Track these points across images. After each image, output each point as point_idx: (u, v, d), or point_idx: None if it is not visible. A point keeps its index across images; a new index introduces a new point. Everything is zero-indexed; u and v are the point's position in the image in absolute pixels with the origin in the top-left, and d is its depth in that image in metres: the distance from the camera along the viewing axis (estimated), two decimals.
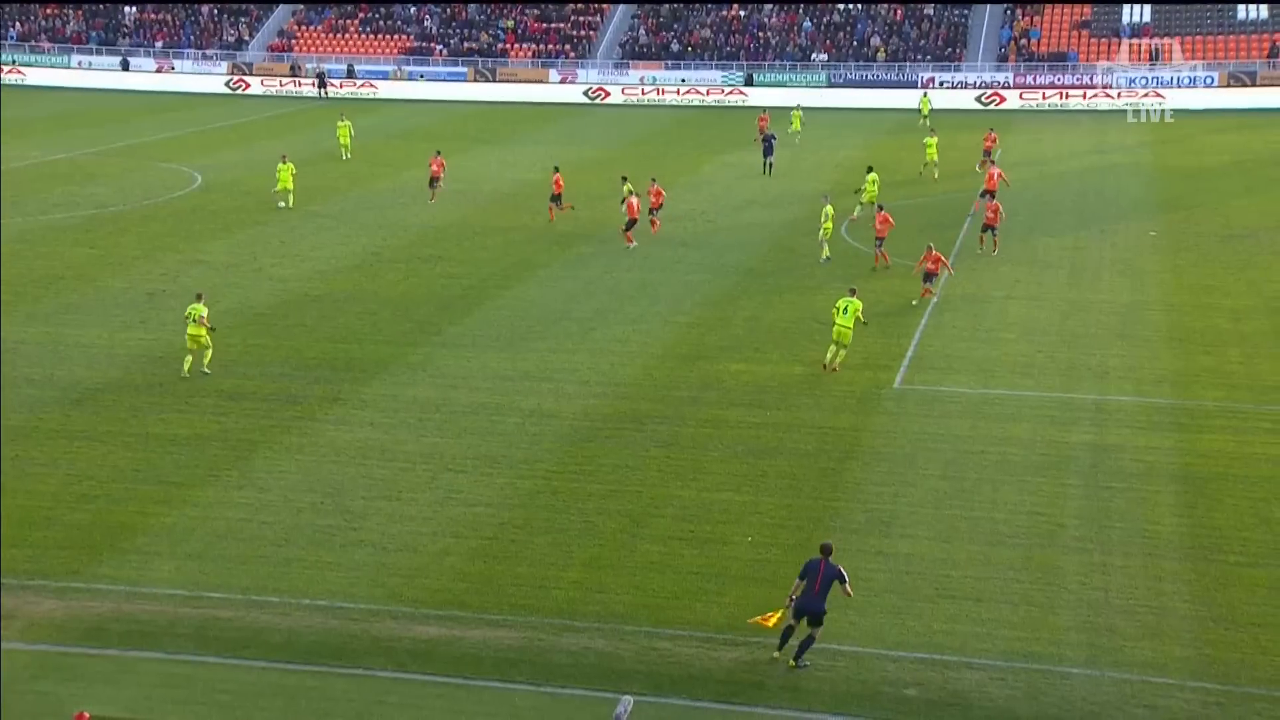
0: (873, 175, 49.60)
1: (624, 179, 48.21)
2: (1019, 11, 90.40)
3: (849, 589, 19.69)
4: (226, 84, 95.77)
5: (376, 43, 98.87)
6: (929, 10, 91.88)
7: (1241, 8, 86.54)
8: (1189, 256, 43.37)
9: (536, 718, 18.35)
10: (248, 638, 20.39)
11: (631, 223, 45.36)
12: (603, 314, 37.75)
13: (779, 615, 19.64)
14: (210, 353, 32.06)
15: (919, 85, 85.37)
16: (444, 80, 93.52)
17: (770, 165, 59.48)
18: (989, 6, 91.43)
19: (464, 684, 19.18)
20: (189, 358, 31.94)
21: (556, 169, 50.53)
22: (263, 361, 33.53)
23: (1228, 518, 24.12)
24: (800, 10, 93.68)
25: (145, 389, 31.42)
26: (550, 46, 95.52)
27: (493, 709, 18.58)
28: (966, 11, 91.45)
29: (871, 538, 23.50)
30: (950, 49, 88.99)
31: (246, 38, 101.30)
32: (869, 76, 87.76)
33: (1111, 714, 18.25)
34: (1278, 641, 19.92)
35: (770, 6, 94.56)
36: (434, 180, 53.34)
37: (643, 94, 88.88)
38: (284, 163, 52.57)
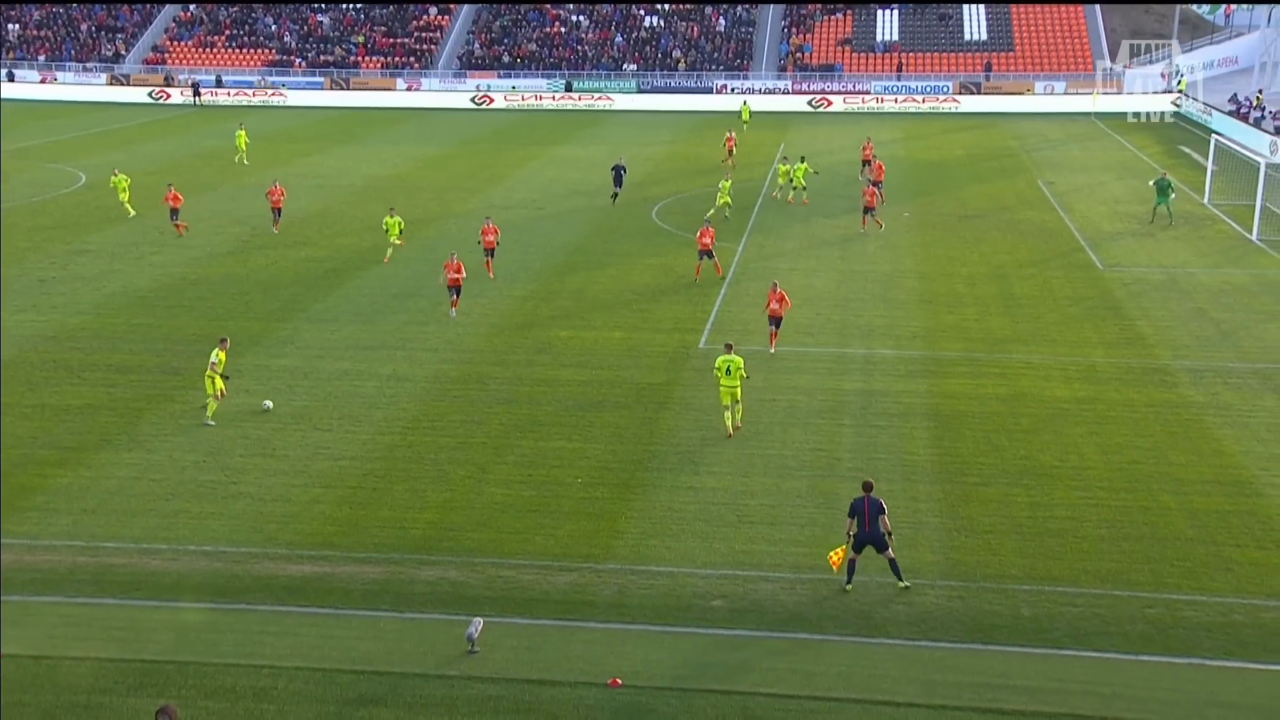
0: (804, 165, 49.42)
1: (391, 210, 41.63)
2: (794, 29, 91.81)
3: (887, 520, 19.34)
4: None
5: (242, 56, 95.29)
6: (720, 27, 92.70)
7: (967, 28, 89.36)
8: (934, 234, 44.71)
9: (399, 640, 18.10)
10: (140, 580, 19.65)
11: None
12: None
13: (842, 552, 19.30)
14: (214, 405, 26.19)
15: (714, 90, 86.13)
16: (304, 89, 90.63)
17: (614, 195, 50.03)
18: (769, 24, 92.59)
19: (335, 614, 18.80)
20: (211, 403, 26.32)
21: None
22: (147, 338, 32.16)
23: (967, 447, 25.02)
24: (612, 27, 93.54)
25: (39, 365, 29.87)
26: (397, 59, 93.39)
27: (360, 634, 18.26)
28: (751, 29, 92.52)
29: (683, 475, 23.73)
30: (739, 60, 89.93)
31: (123, 51, 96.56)
32: (672, 83, 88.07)
33: (879, 612, 18.80)
34: (1004, 544, 20.78)
35: (587, 23, 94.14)
36: (276, 210, 44.80)
37: (479, 99, 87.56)
38: (115, 175, 48.12)
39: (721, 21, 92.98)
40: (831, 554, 19.49)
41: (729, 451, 24.75)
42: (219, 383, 26.20)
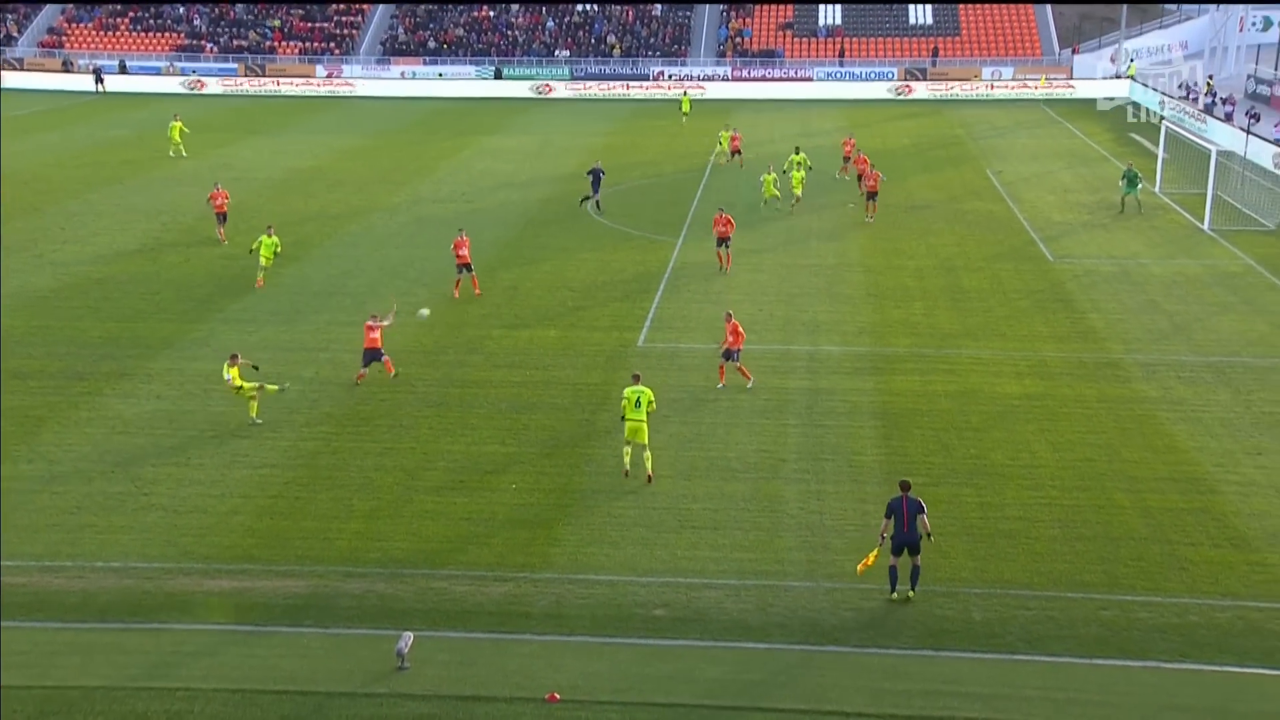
0: (801, 155, 48.93)
1: (269, 228, 38.04)
2: (733, 13, 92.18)
3: (927, 521, 19.28)
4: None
5: (148, 40, 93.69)
6: (656, 11, 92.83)
7: (912, 12, 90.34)
8: (881, 225, 45.12)
9: (324, 657, 17.92)
10: (42, 601, 19.26)
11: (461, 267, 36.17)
12: (374, 288, 36.89)
13: (874, 555, 19.28)
14: (255, 404, 26.27)
15: (651, 78, 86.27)
16: (216, 75, 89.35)
17: (595, 202, 46.97)
18: (708, 8, 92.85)
19: (255, 631, 18.57)
20: (253, 404, 26.31)
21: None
22: (47, 341, 31.54)
23: (916, 446, 25.29)
24: (543, 11, 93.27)
25: None
26: (316, 44, 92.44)
27: (283, 651, 18.05)
28: (689, 13, 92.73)
29: (621, 479, 23.71)
30: (676, 45, 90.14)
31: (15, 34, 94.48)
32: (606, 70, 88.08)
33: (826, 618, 18.95)
34: (955, 546, 21.03)
35: (516, 7, 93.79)
36: (220, 215, 42.20)
37: (404, 87, 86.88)
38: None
39: (658, 6, 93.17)
40: (865, 560, 19.41)
41: (670, 454, 24.80)
42: (245, 386, 26.06)
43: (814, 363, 30.35)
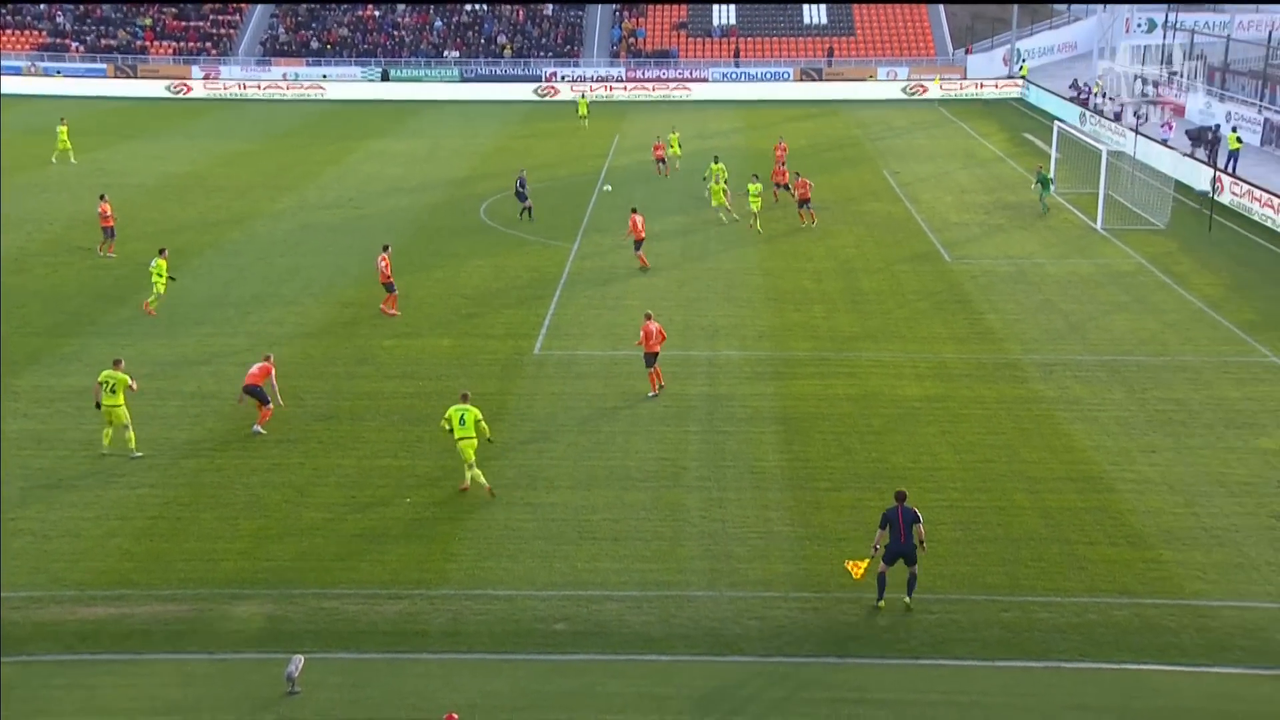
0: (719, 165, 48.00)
1: (162, 250, 35.93)
2: (626, 13, 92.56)
3: (923, 530, 19.37)
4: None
5: (6, 39, 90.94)
6: (548, 10, 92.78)
7: (806, 12, 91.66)
8: (779, 227, 45.61)
9: (210, 684, 17.55)
10: None
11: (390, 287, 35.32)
12: (259, 298, 36.29)
13: (866, 564, 19.39)
14: (131, 432, 25.04)
15: (543, 79, 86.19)
16: (82, 77, 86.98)
17: (527, 209, 46.05)
18: (600, 7, 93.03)
19: (135, 659, 18.12)
20: (108, 430, 25.08)
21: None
22: None
23: (817, 451, 25.62)
24: (431, 10, 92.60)
25: None
26: (191, 44, 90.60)
27: (165, 680, 17.64)
28: (581, 12, 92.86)
29: (520, 490, 23.65)
30: (569, 46, 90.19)
31: None
32: (497, 71, 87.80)
33: (730, 628, 19.09)
34: (858, 552, 21.21)
35: (403, 6, 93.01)
36: (107, 230, 40.78)
37: (286, 89, 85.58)
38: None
39: (549, 5, 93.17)
40: (852, 563, 19.69)
41: (568, 464, 24.78)
42: (117, 412, 24.84)
43: (714, 368, 30.57)
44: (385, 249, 35.40)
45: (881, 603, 19.60)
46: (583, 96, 76.15)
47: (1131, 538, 21.92)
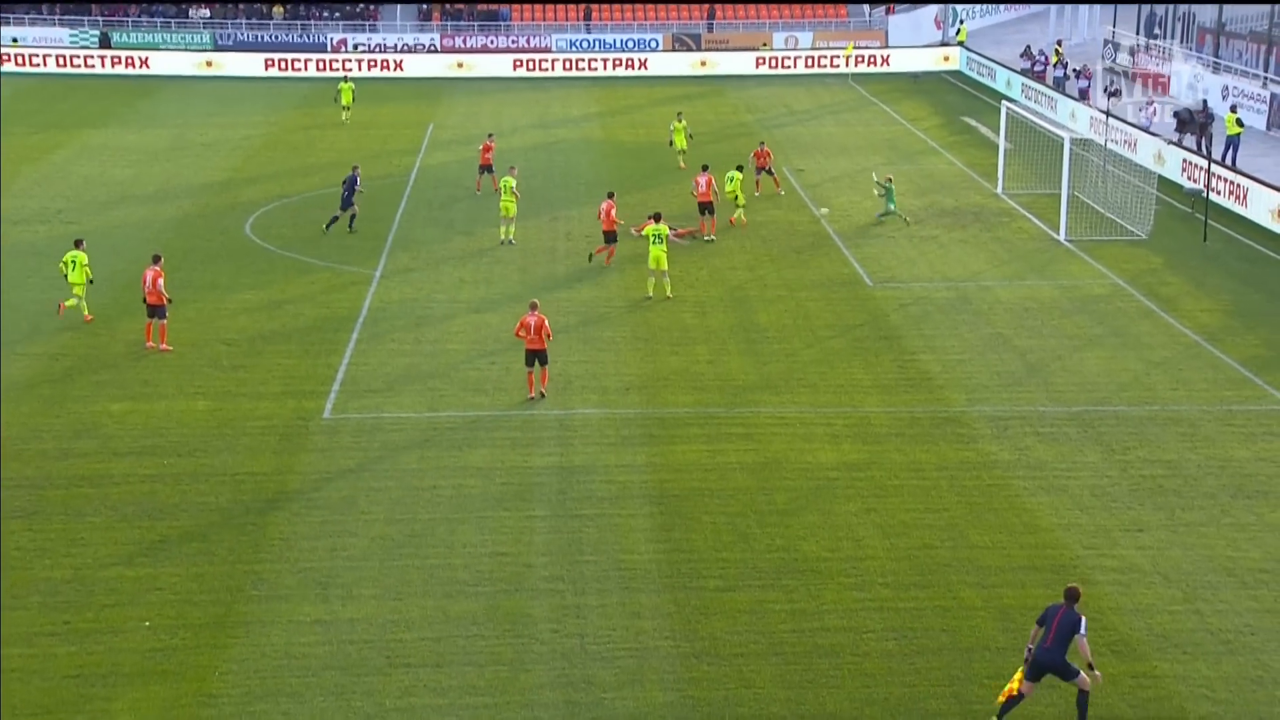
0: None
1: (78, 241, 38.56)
2: None
3: (1086, 644, 19.34)
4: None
5: None
6: None
7: None
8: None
9: None
10: None
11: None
12: None
13: (1017, 679, 19.45)
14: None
15: (329, 48, 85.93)
16: None
17: (351, 218, 47.03)
18: None
19: None
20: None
21: None
22: None
23: (704, 538, 25.82)
24: None
25: None
26: None
27: None
28: None
29: (306, 604, 23.37)
30: (363, 6, 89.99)
31: None
32: (265, 38, 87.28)
33: None
34: (760, 672, 21.51)
35: None
36: None
37: None
38: None
39: None
40: (1008, 689, 19.79)
41: (372, 565, 24.60)
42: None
43: (565, 431, 30.65)
44: (156, 260, 36.01)
45: None
46: (345, 79, 70.84)
47: (1117, 645, 22.45)
